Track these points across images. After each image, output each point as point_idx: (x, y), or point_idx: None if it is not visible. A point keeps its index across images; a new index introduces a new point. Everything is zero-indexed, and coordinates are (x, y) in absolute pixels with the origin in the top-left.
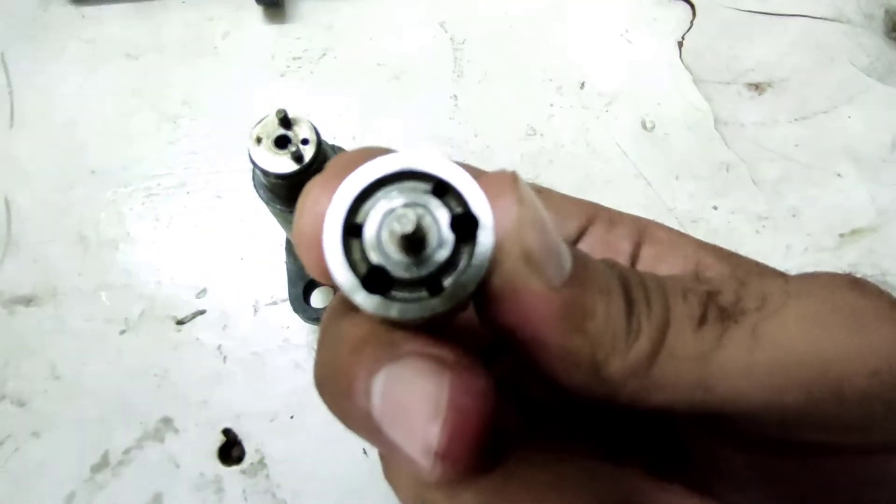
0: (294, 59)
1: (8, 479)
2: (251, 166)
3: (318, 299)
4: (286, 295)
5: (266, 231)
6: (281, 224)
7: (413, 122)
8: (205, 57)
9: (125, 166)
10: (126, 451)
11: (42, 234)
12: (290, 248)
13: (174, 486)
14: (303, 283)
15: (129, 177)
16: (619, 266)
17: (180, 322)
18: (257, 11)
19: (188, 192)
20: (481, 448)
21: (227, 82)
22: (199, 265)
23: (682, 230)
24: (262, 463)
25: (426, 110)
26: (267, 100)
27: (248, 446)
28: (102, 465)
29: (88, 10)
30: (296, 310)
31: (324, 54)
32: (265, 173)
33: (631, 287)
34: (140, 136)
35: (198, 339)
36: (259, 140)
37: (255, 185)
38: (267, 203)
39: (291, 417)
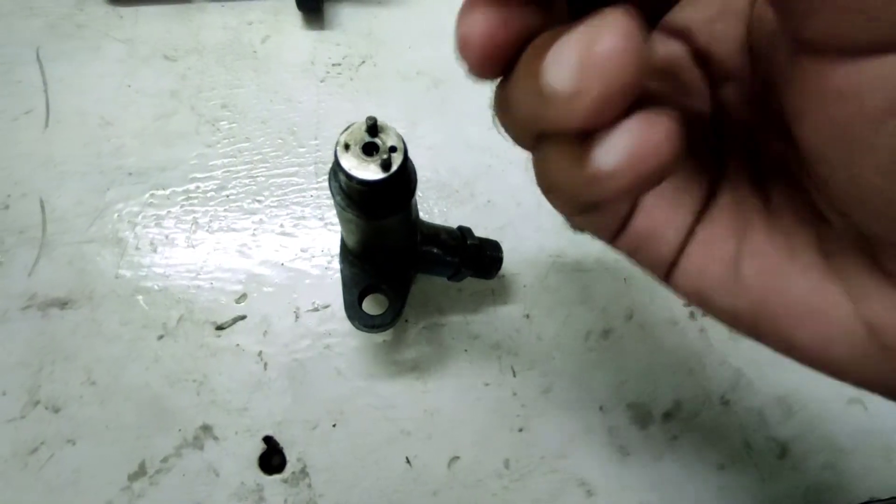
0: (334, 65)
1: (42, 487)
2: (330, 171)
3: (370, 306)
4: (328, 301)
5: (307, 237)
6: (346, 231)
7: (454, 131)
8: (244, 61)
9: (163, 168)
10: (164, 460)
11: (78, 235)
12: (345, 254)
13: (214, 496)
14: (357, 290)
15: (168, 179)
16: None
17: (220, 327)
18: (297, 17)
19: (227, 196)
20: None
21: (267, 86)
22: (238, 270)
23: None
24: (304, 472)
25: (466, 119)
26: (307, 105)
27: (290, 455)
28: (140, 473)
29: (126, 10)
30: (350, 317)
31: (363, 61)
32: (350, 178)
33: None
34: (178, 138)
35: (238, 345)
36: (347, 146)
37: (332, 191)
38: (343, 209)
39: (334, 426)
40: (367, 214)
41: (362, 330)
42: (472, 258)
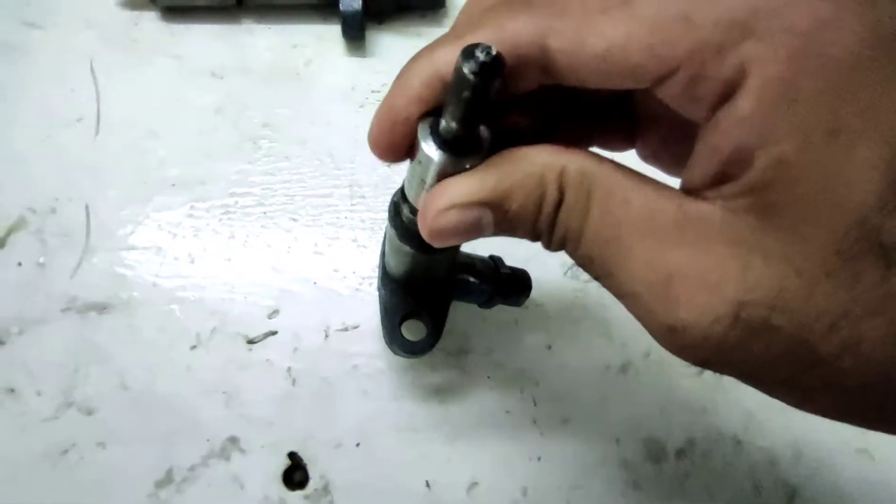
0: (372, 91)
1: (70, 488)
2: (391, 205)
3: (407, 332)
4: (358, 322)
5: (340, 257)
6: (396, 261)
7: None
8: (287, 82)
9: (204, 182)
10: (191, 469)
11: (119, 242)
12: (385, 280)
13: None
14: (398, 316)
15: (208, 192)
16: None
17: (251, 341)
18: (340, 43)
19: (265, 213)
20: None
21: (307, 108)
22: (272, 286)
23: None
24: (325, 490)
25: None
26: (345, 129)
27: (313, 472)
28: (167, 481)
29: (178, 27)
30: (390, 341)
31: None
32: (415, 213)
33: None
34: (220, 153)
35: (268, 359)
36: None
37: (392, 225)
38: (401, 242)
39: (357, 445)
40: (423, 249)
41: (400, 355)
42: (505, 286)
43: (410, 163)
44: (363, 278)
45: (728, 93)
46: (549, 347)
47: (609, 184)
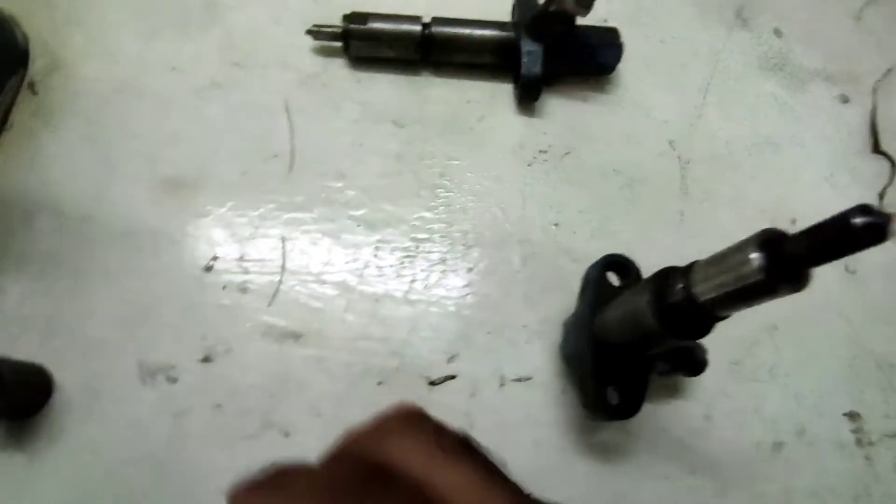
0: (540, 152)
1: None
2: (657, 282)
3: (613, 395)
4: (530, 373)
5: (513, 309)
6: (623, 331)
7: (643, 230)
8: (461, 135)
9: (387, 224)
10: None
11: (311, 276)
12: (594, 346)
13: None
14: (606, 382)
15: (391, 235)
16: None
17: (433, 383)
18: (510, 102)
19: (444, 260)
20: None
21: (480, 162)
22: (450, 331)
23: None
24: None
25: (655, 220)
26: (514, 186)
27: None
28: None
29: (364, 75)
30: (593, 406)
31: (568, 152)
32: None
33: None
34: (401, 198)
35: (447, 402)
36: None
37: (658, 302)
38: (655, 317)
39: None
40: (674, 333)
41: (598, 419)
42: (685, 359)
43: (723, 261)
44: (532, 332)
45: None
46: (707, 418)
47: None
